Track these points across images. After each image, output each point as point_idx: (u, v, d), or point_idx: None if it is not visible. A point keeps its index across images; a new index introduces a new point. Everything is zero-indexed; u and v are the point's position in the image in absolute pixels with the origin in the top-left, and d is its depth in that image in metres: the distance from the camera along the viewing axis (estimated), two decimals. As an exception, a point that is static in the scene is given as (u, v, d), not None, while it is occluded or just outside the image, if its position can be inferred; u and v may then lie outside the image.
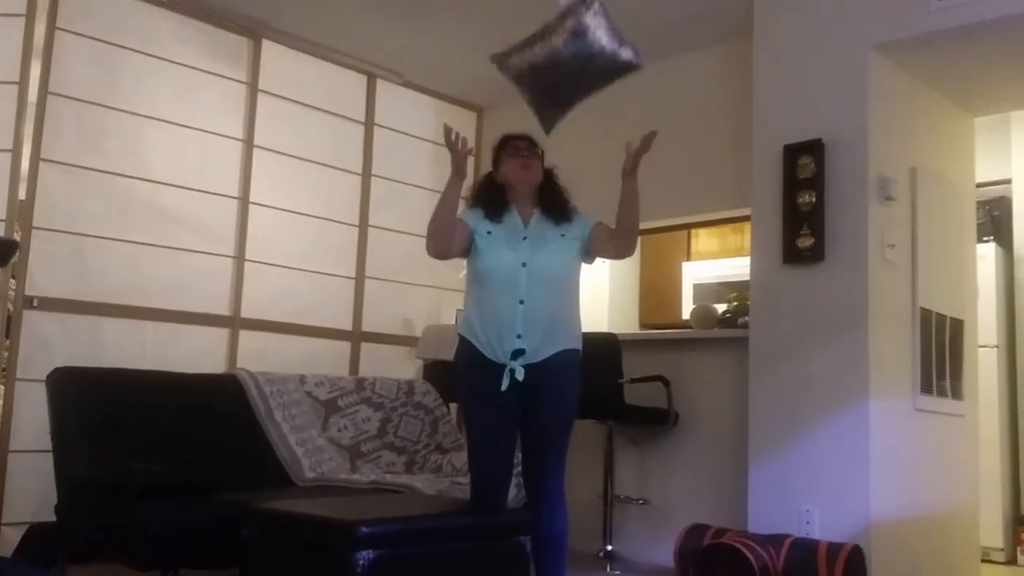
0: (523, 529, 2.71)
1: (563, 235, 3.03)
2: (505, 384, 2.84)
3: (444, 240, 2.99)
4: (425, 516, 2.65)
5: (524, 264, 2.92)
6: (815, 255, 3.72)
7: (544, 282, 2.92)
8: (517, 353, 2.86)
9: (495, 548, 2.64)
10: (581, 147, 5.17)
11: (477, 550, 2.60)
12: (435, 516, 2.67)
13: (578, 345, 2.99)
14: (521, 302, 2.88)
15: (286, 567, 2.54)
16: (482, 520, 2.73)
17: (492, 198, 3.11)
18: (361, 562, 2.30)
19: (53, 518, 3.26)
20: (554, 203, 3.11)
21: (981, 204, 4.93)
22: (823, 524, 3.60)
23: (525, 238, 2.99)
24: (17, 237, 3.78)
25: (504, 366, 2.85)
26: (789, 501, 3.70)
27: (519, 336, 2.86)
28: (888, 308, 3.72)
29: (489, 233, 3.01)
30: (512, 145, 3.15)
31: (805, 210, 3.76)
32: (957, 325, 4.17)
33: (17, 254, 3.44)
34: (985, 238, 5.08)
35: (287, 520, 2.62)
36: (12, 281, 3.83)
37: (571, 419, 2.99)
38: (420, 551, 2.47)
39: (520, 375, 2.84)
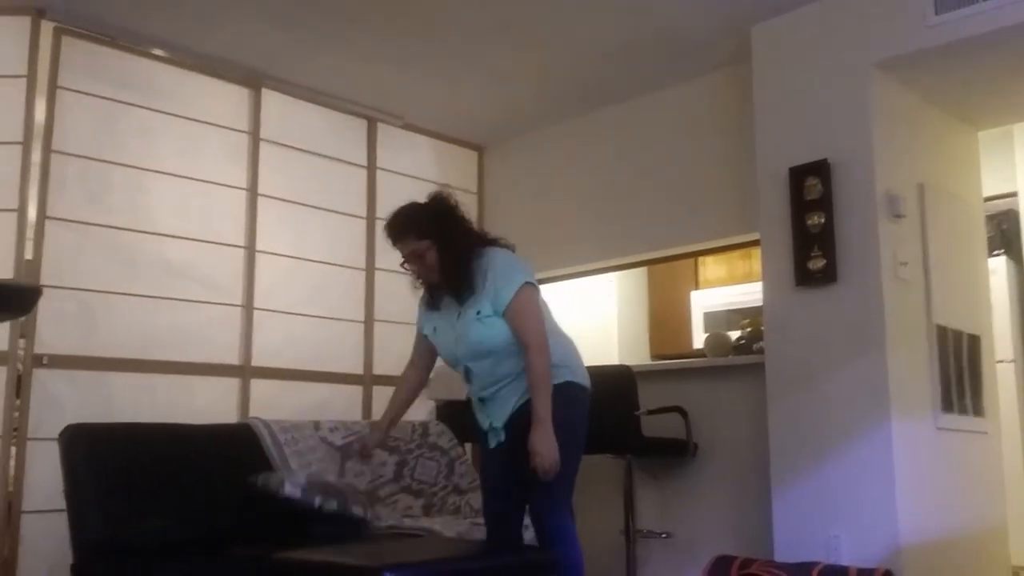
0: (547, 568, 2.66)
1: (479, 313, 2.93)
2: (493, 444, 3.04)
3: (418, 382, 3.33)
4: (448, 560, 2.60)
5: (458, 358, 3.02)
6: (827, 276, 3.69)
7: (482, 356, 2.97)
8: (491, 415, 3.02)
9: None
10: (582, 175, 5.17)
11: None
12: (458, 560, 2.62)
13: (554, 380, 2.92)
14: (480, 398, 3.05)
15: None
16: (505, 561, 2.68)
17: (429, 289, 3.16)
18: (387, 609, 2.25)
19: (69, 579, 3.22)
20: (451, 285, 3.00)
21: (990, 218, 4.91)
22: (851, 549, 3.53)
23: (459, 316, 3.00)
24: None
25: (488, 430, 3.05)
26: (815, 527, 3.64)
27: (483, 402, 3.05)
28: (904, 326, 3.68)
29: (435, 329, 3.12)
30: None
31: (815, 231, 3.74)
32: (974, 341, 4.12)
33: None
34: (996, 252, 5.05)
35: (308, 570, 2.57)
36: (21, 340, 3.81)
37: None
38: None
39: (501, 437, 3.01)
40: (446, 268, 2.95)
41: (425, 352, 3.24)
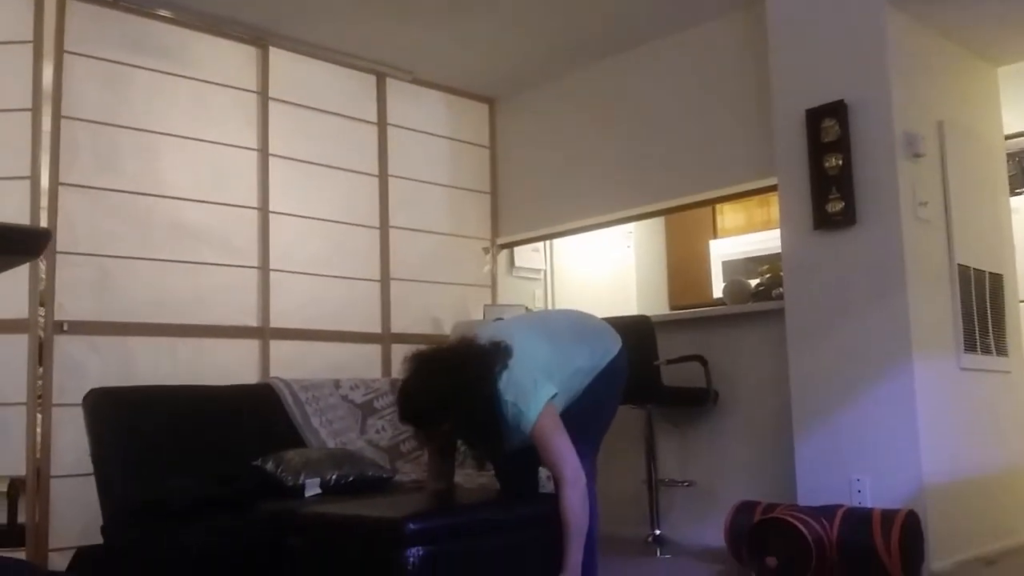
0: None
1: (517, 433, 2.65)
2: None
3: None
4: (471, 509, 2.62)
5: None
6: (846, 219, 3.65)
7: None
8: None
9: (541, 537, 2.59)
10: (597, 125, 5.12)
11: (523, 541, 2.56)
12: (481, 509, 2.64)
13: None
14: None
15: (335, 570, 2.51)
16: (527, 511, 2.69)
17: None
18: (411, 559, 2.27)
19: (100, 541, 3.26)
20: (480, 448, 2.77)
21: (1011, 156, 4.82)
22: (875, 492, 3.52)
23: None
24: (46, 225, 3.76)
25: None
26: (839, 471, 3.63)
27: None
28: (925, 267, 3.64)
29: None
30: None
31: (833, 174, 3.68)
32: (996, 280, 4.08)
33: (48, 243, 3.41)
34: (1017, 190, 4.96)
35: (333, 523, 2.59)
36: (41, 308, 3.83)
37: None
38: (468, 545, 2.43)
39: None
40: (472, 438, 2.74)
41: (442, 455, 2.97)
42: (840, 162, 3.67)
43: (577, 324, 2.97)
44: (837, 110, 3.68)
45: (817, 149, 3.73)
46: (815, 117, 3.75)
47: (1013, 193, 4.73)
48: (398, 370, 4.81)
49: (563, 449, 2.58)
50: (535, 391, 2.58)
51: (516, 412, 2.56)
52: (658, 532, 4.20)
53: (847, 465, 3.62)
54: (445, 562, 2.34)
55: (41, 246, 1.51)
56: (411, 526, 2.30)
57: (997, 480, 3.91)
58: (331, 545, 2.55)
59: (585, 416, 2.87)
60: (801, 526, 3.26)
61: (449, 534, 2.40)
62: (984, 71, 4.32)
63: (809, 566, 3.21)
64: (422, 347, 2.71)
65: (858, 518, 3.35)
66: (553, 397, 2.62)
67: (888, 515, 3.30)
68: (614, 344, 2.96)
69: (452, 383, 2.54)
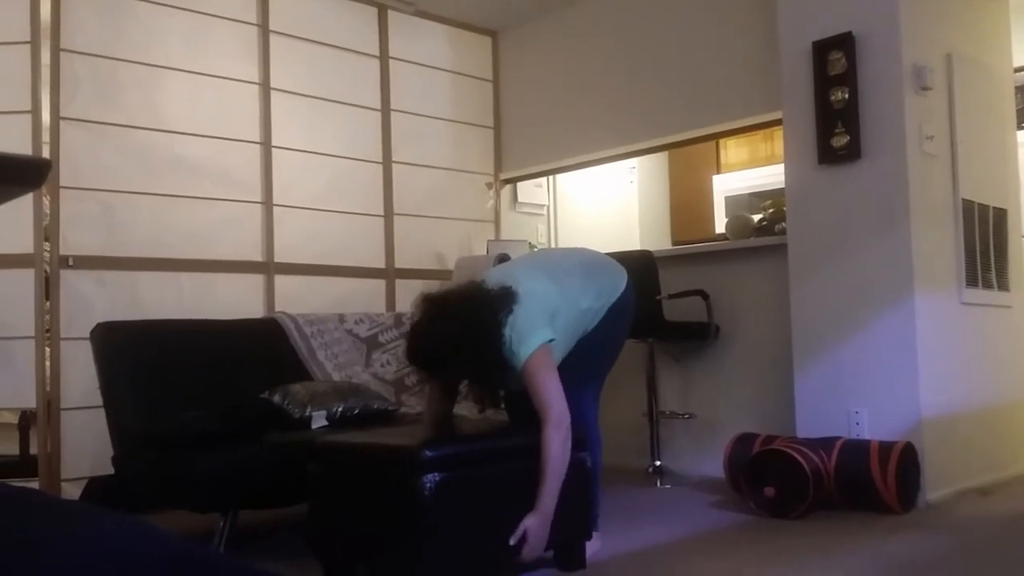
0: (583, 446, 2.71)
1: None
2: None
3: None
4: (486, 437, 2.67)
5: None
6: (851, 153, 3.63)
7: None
8: None
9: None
10: (599, 59, 5.06)
11: (534, 468, 2.61)
12: (495, 437, 2.69)
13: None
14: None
15: (353, 497, 2.57)
16: (536, 437, 2.73)
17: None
18: (428, 485, 2.33)
19: (111, 471, 3.33)
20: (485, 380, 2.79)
21: (1020, 89, 4.76)
22: (873, 424, 3.57)
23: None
24: (46, 156, 3.75)
25: None
26: (837, 404, 3.68)
27: None
28: (929, 201, 3.64)
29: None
30: None
31: (838, 107, 3.66)
32: (1000, 215, 4.07)
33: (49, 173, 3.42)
34: (1024, 124, 4.92)
35: (351, 451, 2.65)
36: (46, 243, 3.85)
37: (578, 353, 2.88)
38: (482, 472, 2.49)
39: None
40: (477, 379, 2.79)
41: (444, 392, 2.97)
42: (846, 95, 3.64)
43: (583, 263, 2.98)
44: (844, 42, 3.64)
45: (823, 82, 3.70)
46: (822, 49, 3.70)
47: (1020, 127, 4.69)
48: (402, 304, 4.86)
49: (551, 391, 2.60)
50: (531, 334, 2.61)
51: (510, 353, 2.61)
52: (659, 463, 4.27)
53: (846, 398, 3.66)
54: (459, 488, 2.40)
55: (42, 175, 1.52)
56: (427, 453, 2.36)
57: (994, 413, 3.96)
58: (349, 472, 2.61)
59: (591, 351, 2.91)
60: (799, 457, 3.32)
61: (464, 461, 2.46)
62: (994, 1, 4.25)
63: (806, 496, 3.27)
64: (432, 290, 2.73)
65: (856, 450, 3.41)
66: (550, 342, 2.65)
67: (885, 447, 3.36)
68: (621, 280, 2.99)
69: (461, 329, 2.56)
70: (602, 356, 3.00)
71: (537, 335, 2.62)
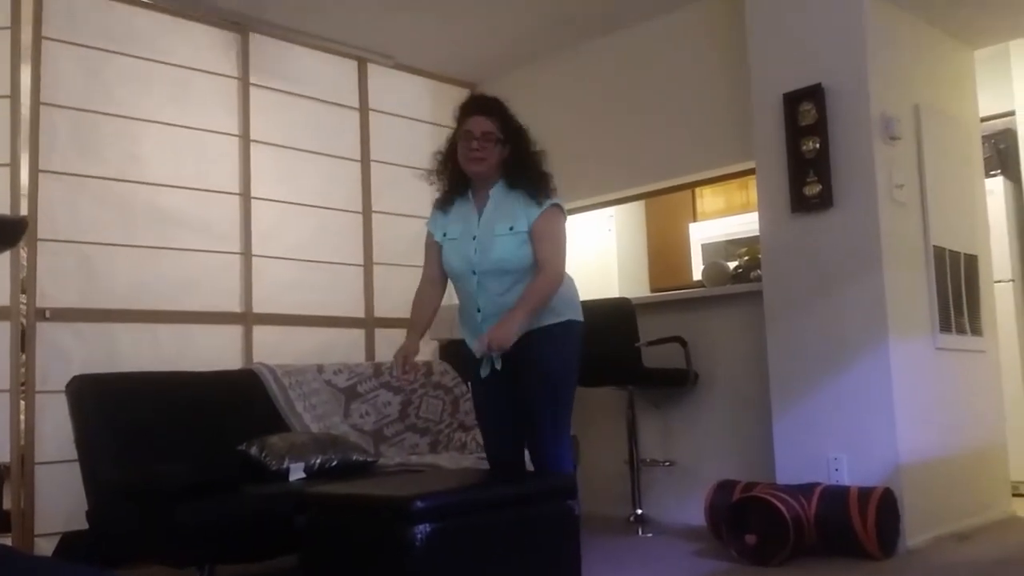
0: (571, 493, 2.71)
1: (511, 228, 2.88)
2: (485, 372, 2.99)
3: (438, 297, 3.13)
4: (476, 487, 2.67)
5: (474, 272, 2.92)
6: (823, 202, 3.69)
7: (502, 274, 2.89)
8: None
9: (545, 513, 2.65)
10: (577, 110, 5.13)
11: (528, 516, 2.60)
12: (486, 487, 2.69)
13: (559, 318, 2.93)
14: (479, 310, 2.94)
15: (344, 549, 2.55)
16: (531, 487, 2.74)
17: (450, 177, 3.03)
18: (419, 536, 2.32)
19: (85, 526, 3.28)
20: (519, 185, 2.94)
21: (986, 138, 4.88)
22: (852, 470, 3.59)
23: (475, 237, 2.92)
24: (24, 214, 3.76)
25: (481, 356, 2.96)
26: (816, 450, 3.69)
27: (482, 320, 2.93)
28: (901, 249, 3.70)
29: (445, 235, 3.03)
30: (465, 130, 2.92)
31: (810, 157, 3.73)
32: (971, 261, 4.14)
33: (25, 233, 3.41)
34: (992, 172, 5.03)
35: (340, 502, 2.63)
36: (23, 295, 3.83)
37: (551, 390, 2.91)
38: (473, 521, 2.48)
39: (497, 364, 2.94)
40: (511, 165, 2.93)
41: (440, 264, 3.07)
42: (817, 145, 3.71)
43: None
44: (814, 94, 3.72)
45: (794, 132, 3.77)
46: (793, 101, 3.79)
47: (988, 175, 4.80)
48: (382, 354, 4.86)
49: (560, 249, 2.89)
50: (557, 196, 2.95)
51: (541, 190, 2.90)
52: (640, 511, 4.26)
53: (824, 444, 3.68)
54: (452, 537, 2.39)
55: (19, 234, 1.52)
56: (419, 504, 2.35)
57: (971, 457, 3.99)
58: (339, 524, 2.59)
59: (559, 383, 2.93)
60: (779, 504, 3.32)
61: (455, 510, 2.45)
62: (961, 54, 4.37)
63: (787, 543, 3.27)
64: None
65: (836, 496, 3.42)
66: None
67: (864, 493, 3.37)
68: (581, 314, 3.07)
69: (524, 131, 3.00)
70: (571, 385, 3.00)
71: (558, 200, 2.94)
